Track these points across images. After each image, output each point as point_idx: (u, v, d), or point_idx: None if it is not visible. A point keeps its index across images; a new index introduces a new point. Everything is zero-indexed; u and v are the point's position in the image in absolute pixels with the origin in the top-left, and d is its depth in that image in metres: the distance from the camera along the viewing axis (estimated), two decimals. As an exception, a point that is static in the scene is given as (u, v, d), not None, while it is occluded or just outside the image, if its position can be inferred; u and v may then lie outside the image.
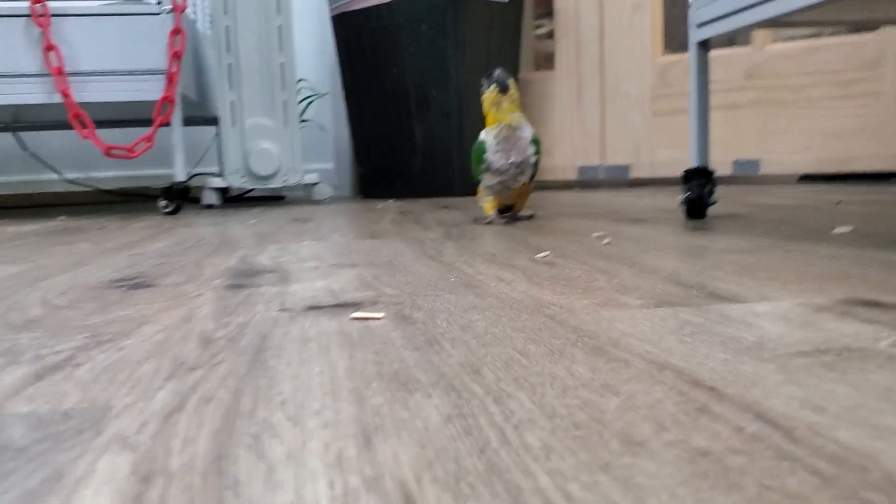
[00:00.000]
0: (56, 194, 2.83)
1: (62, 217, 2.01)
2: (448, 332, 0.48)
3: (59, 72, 1.90)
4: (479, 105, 1.31)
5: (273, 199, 2.57)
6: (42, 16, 1.90)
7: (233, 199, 2.56)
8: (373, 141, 2.55)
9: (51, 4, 1.90)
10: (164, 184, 2.03)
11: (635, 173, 2.61)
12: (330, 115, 2.94)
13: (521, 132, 1.28)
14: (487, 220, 1.33)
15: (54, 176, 2.80)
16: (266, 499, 0.25)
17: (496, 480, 0.25)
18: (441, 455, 0.28)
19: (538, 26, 2.80)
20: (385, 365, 0.41)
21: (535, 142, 1.30)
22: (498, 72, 1.27)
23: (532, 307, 0.55)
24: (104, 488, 0.26)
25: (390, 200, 2.29)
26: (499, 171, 1.29)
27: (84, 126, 1.91)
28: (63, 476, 0.27)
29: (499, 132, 1.27)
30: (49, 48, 1.90)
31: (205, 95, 2.35)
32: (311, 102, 2.86)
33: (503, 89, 1.26)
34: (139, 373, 0.41)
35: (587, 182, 2.69)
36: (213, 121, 2.67)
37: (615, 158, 2.62)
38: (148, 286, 0.74)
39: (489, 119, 1.29)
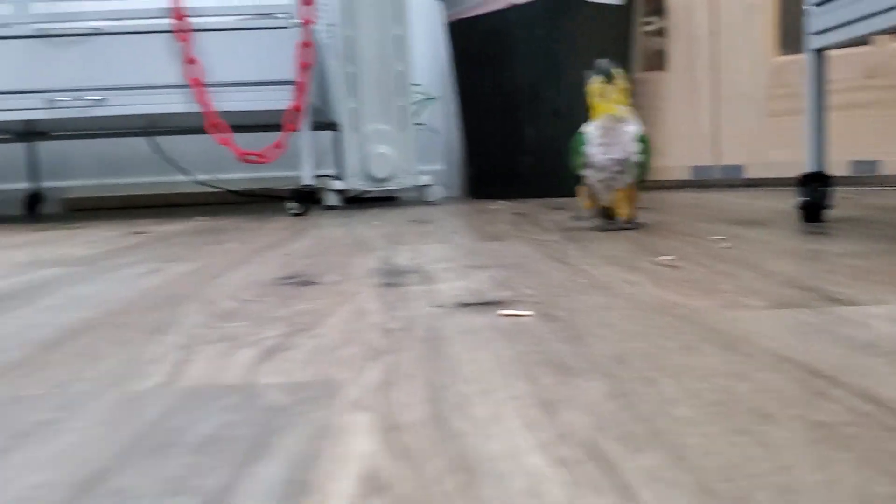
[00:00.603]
0: (186, 195, 3.04)
1: (199, 218, 2.18)
2: (590, 329, 0.56)
3: (199, 83, 2.07)
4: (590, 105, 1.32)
5: (387, 200, 2.69)
6: (183, 31, 2.07)
7: (350, 201, 2.70)
8: (483, 142, 2.64)
9: (190, 20, 2.07)
10: (285, 185, 2.17)
11: (749, 173, 2.60)
12: (441, 117, 3.05)
13: (625, 126, 1.22)
14: (585, 218, 1.29)
15: (184, 177, 3.01)
16: (485, 445, 0.33)
17: (659, 440, 0.33)
18: (610, 422, 0.36)
19: (646, 23, 2.83)
20: (543, 354, 0.49)
21: (643, 140, 1.23)
22: (602, 61, 1.25)
23: (661, 308, 0.62)
24: (363, 435, 0.35)
25: (502, 201, 2.37)
26: (598, 168, 1.23)
27: (221, 133, 2.07)
28: (329, 427, 0.36)
29: (602, 124, 1.23)
30: (189, 61, 2.07)
31: (326, 102, 2.49)
32: (424, 106, 2.97)
33: (607, 78, 1.22)
34: (342, 354, 0.51)
35: (700, 182, 2.70)
36: (331, 126, 2.82)
37: (729, 158, 2.62)
38: (312, 283, 0.84)
39: (594, 110, 1.25)
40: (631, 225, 1.28)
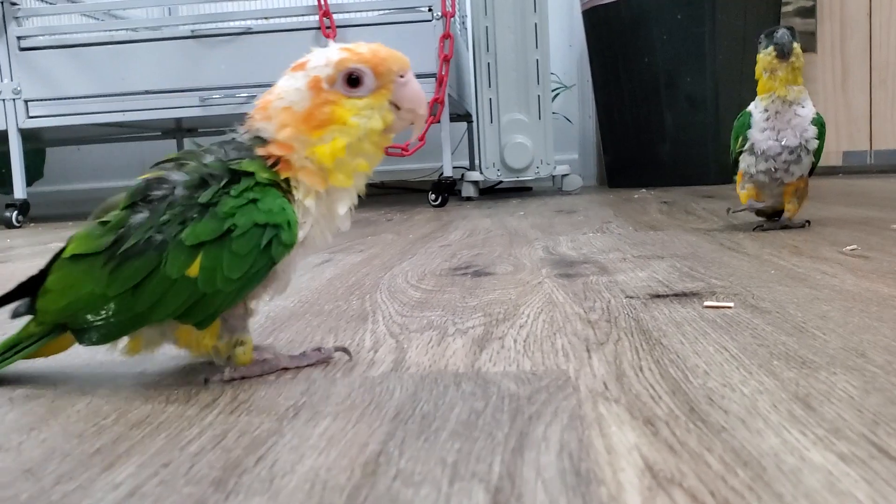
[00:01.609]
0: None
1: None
2: (809, 321, 0.54)
3: (343, 78, 2.12)
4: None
5: (521, 191, 2.69)
6: (329, 27, 2.13)
7: (483, 192, 2.71)
8: (620, 130, 2.60)
9: (335, 17, 2.13)
10: (417, 177, 2.19)
11: (904, 159, 2.46)
12: (576, 106, 3.02)
13: (800, 109, 1.05)
14: (741, 209, 1.14)
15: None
16: (754, 440, 0.33)
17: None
18: (881, 417, 0.34)
19: (786, 3, 2.70)
20: (770, 346, 0.48)
21: (819, 123, 1.06)
22: (781, 32, 1.04)
23: (875, 299, 0.59)
24: (624, 427, 0.35)
25: (643, 190, 2.32)
26: (765, 156, 1.07)
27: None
28: (584, 417, 0.37)
29: (769, 104, 1.06)
30: (334, 57, 2.13)
31: (462, 93, 2.50)
32: (558, 95, 2.95)
33: (783, 55, 1.03)
34: (557, 345, 0.51)
35: (853, 168, 2.57)
36: (465, 117, 2.84)
37: (885, 143, 2.48)
38: (487, 274, 0.85)
39: (760, 87, 1.07)
40: (797, 223, 1.11)
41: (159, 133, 2.89)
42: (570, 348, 0.50)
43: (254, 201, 0.43)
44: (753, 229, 1.11)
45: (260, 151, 0.45)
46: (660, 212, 1.54)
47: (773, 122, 1.06)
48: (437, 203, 2.10)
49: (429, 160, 2.73)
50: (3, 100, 2.15)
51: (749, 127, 1.08)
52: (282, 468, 0.33)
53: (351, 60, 0.45)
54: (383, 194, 3.00)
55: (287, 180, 0.45)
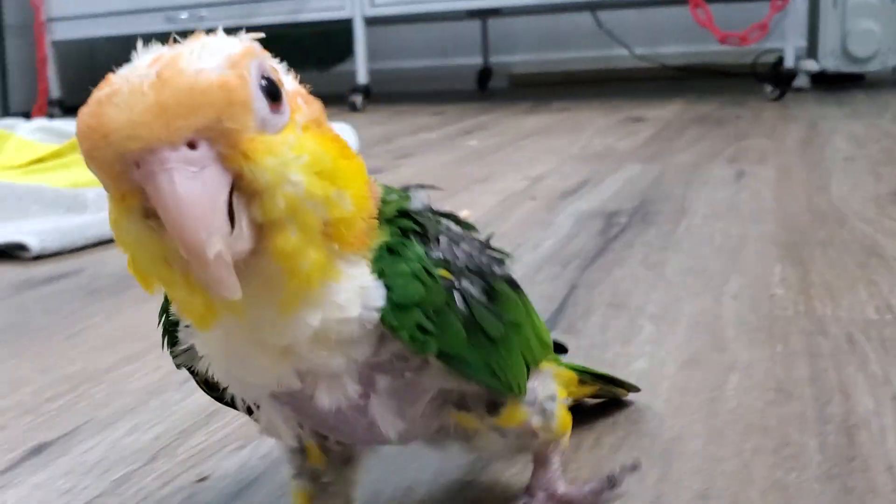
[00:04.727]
0: (621, 70, 3.04)
1: (669, 101, 2.17)
2: None
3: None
4: None
5: (851, 81, 2.45)
6: None
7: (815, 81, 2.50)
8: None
9: None
10: (722, 61, 2.05)
11: None
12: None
13: None
14: None
15: (624, 52, 3.00)
16: None
17: None
18: None
19: None
20: None
21: None
22: None
23: None
24: None
25: None
26: None
27: (701, 13, 2.00)
28: None
29: None
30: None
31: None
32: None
33: None
34: None
35: None
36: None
37: None
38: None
39: None
40: None
41: (463, 14, 2.93)
42: None
43: None
44: None
45: None
46: None
47: None
48: (775, 97, 1.97)
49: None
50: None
51: None
52: None
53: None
54: (685, 78, 2.84)
55: None
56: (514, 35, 3.12)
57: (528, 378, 0.31)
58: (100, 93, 0.21)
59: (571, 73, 3.08)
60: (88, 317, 0.64)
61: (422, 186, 0.30)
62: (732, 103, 1.94)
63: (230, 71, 0.21)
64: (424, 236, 0.27)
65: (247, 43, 0.23)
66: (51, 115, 2.40)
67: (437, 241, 0.27)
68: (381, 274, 0.25)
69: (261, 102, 0.22)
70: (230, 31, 0.24)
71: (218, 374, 0.26)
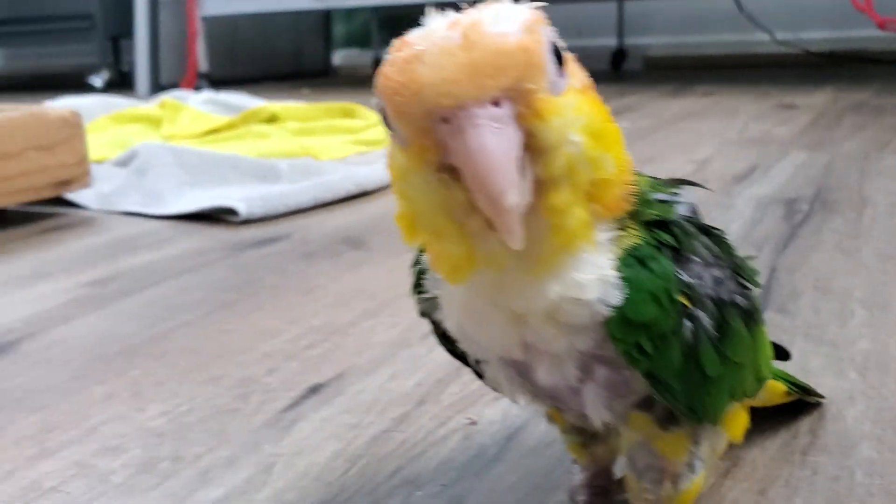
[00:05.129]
0: (761, 56, 2.95)
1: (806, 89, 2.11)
2: None
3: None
4: None
5: None
6: None
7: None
8: None
9: None
10: (869, 47, 1.96)
11: None
12: None
13: None
14: None
15: (765, 37, 2.91)
16: None
17: None
18: None
19: None
20: None
21: None
22: None
23: None
24: None
25: None
26: None
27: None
28: None
29: None
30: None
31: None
32: None
33: None
34: None
35: None
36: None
37: None
38: None
39: None
40: None
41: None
42: None
43: None
44: None
45: None
46: None
47: None
48: (935, 86, 1.89)
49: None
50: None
51: None
52: None
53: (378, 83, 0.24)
54: (828, 65, 2.74)
55: None
56: (651, 17, 3.08)
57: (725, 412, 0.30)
58: (403, 53, 0.23)
59: (709, 57, 3.02)
60: (313, 276, 0.70)
61: (691, 183, 0.30)
62: (889, 92, 1.87)
63: (528, 35, 0.23)
64: (678, 253, 0.27)
65: (536, 11, 0.24)
66: (198, 88, 2.51)
67: (689, 260, 0.27)
68: (624, 279, 0.26)
69: (551, 66, 0.24)
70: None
71: (451, 328, 0.29)
